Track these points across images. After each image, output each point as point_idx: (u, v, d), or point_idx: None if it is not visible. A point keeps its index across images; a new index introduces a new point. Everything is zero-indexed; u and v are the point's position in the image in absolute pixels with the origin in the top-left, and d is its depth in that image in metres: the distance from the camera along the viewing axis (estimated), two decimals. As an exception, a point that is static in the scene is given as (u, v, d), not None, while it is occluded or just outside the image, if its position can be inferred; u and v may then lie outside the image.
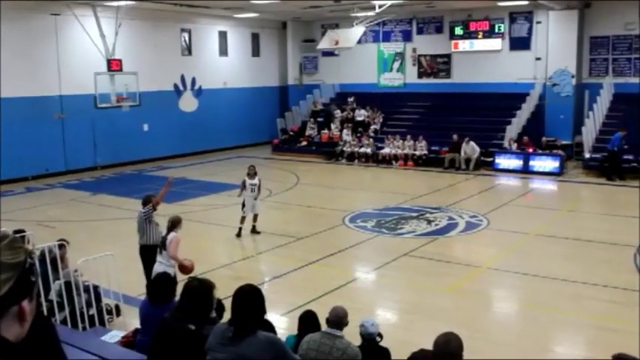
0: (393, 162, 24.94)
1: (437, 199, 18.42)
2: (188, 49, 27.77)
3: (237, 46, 30.12)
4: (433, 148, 24.86)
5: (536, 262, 12.22)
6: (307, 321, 6.08)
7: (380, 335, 6.07)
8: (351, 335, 5.79)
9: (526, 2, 24.56)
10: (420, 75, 29.58)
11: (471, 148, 23.55)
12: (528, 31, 26.71)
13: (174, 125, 26.83)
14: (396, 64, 30.10)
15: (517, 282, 11.38)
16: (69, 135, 22.97)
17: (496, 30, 27.25)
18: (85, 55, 23.18)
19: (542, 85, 26.12)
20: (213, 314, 5.22)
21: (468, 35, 27.87)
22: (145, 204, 9.86)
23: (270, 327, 5.40)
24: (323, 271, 11.92)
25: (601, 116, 24.25)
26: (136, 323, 7.85)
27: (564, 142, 24.43)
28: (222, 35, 29.30)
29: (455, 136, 23.94)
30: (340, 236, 14.49)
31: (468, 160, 23.50)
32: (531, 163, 22.94)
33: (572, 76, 25.20)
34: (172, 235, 9.12)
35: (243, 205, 14.23)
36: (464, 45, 28.02)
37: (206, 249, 12.67)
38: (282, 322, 8.76)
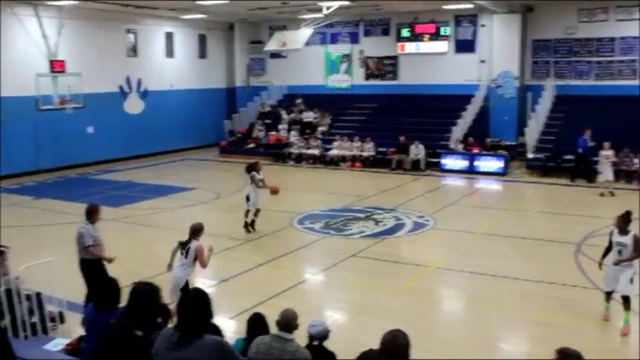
0: (341, 163, 25.07)
1: (384, 199, 18.56)
2: (134, 50, 27.36)
3: (183, 48, 29.83)
4: (380, 149, 25.08)
5: (483, 261, 12.43)
6: (256, 324, 6.04)
7: (324, 337, 6.03)
8: (303, 337, 5.78)
9: (471, 6, 24.99)
10: (368, 77, 29.83)
11: (419, 151, 23.84)
12: (473, 34, 27.19)
13: (119, 127, 26.39)
14: (344, 66, 30.27)
15: (464, 281, 11.55)
16: (9, 138, 22.24)
17: (442, 33, 27.67)
18: (27, 56, 22.61)
19: (486, 87, 26.60)
20: (160, 319, 5.16)
21: (415, 38, 28.20)
22: (88, 215, 9.47)
23: (217, 331, 5.35)
24: (272, 274, 11.88)
25: (543, 117, 24.84)
26: (81, 330, 7.68)
27: (508, 143, 24.92)
28: (169, 36, 28.97)
29: (402, 138, 24.18)
30: (289, 238, 14.48)
31: (415, 162, 23.76)
32: (476, 163, 23.36)
33: (516, 78, 25.75)
34: (195, 244, 9.01)
35: (248, 199, 14.56)
36: (410, 47, 28.35)
37: (153, 253, 12.45)
38: (231, 326, 8.69)
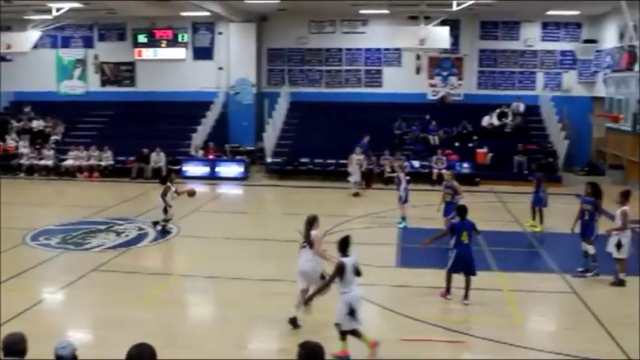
0: (78, 174, 23.93)
1: (126, 209, 18.11)
2: None
3: None
4: (120, 158, 24.36)
5: (225, 265, 12.70)
6: (-23, 354, 5.51)
7: (74, 358, 5.70)
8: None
9: (207, 13, 25.30)
10: (104, 83, 28.89)
11: (159, 158, 23.59)
12: (211, 41, 27.60)
13: None
14: (77, 72, 28.94)
15: (209, 286, 11.68)
16: None
17: (179, 39, 27.72)
18: None
19: (225, 94, 27.14)
20: None
21: (152, 44, 27.89)
22: None
23: None
24: (2, 297, 10.92)
25: (280, 123, 26.00)
26: None
27: (248, 148, 25.71)
28: None
29: (145, 150, 23.74)
30: (21, 256, 13.44)
31: (156, 170, 23.45)
32: (217, 169, 23.77)
33: (253, 85, 26.69)
34: (314, 232, 9.37)
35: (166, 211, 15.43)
36: (148, 53, 28.00)
37: None
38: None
